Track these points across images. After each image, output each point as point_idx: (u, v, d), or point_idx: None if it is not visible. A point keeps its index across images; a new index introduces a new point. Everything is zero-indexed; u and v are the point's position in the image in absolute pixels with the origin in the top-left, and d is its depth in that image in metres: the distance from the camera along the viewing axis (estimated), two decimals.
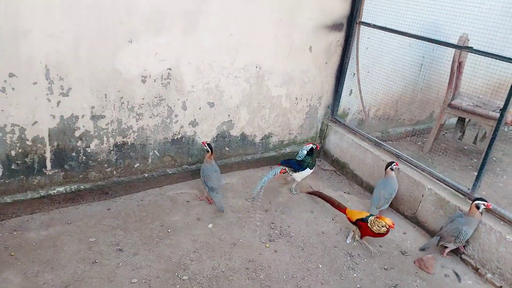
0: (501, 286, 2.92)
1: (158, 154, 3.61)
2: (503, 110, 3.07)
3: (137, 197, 3.54)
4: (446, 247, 3.20)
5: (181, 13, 3.21)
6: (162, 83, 3.35)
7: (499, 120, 3.10)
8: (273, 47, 3.75)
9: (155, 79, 3.31)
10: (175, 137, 3.63)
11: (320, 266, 3.02)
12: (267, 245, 3.15)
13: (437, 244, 3.21)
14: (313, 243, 3.24)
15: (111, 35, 2.99)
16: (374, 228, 3.04)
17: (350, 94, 4.39)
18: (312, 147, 3.74)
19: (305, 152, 3.73)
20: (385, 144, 3.98)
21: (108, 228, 3.14)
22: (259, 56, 3.70)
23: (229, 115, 3.81)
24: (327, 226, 3.46)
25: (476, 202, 3.04)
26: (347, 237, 3.33)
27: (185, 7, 3.20)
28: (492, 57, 3.12)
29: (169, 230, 3.19)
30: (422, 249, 3.27)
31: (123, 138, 3.38)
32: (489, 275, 3.00)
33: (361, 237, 3.22)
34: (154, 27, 3.14)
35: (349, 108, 4.49)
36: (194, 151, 3.79)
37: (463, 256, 3.18)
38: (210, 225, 3.30)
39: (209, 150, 3.49)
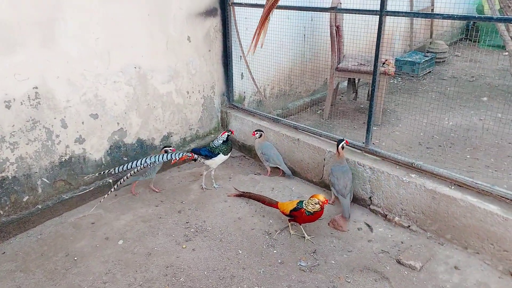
0: (409, 226, 3.11)
1: (47, 181, 3.31)
2: (375, 61, 3.23)
3: (35, 232, 3.22)
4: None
5: (34, 25, 2.94)
6: (31, 104, 3.06)
7: (374, 72, 3.27)
8: (148, 44, 3.60)
9: (21, 102, 3.01)
10: (63, 159, 3.35)
11: (240, 251, 2.98)
12: (184, 246, 3.04)
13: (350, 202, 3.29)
14: (231, 231, 3.19)
15: None
16: (309, 207, 2.92)
17: (242, 78, 4.39)
18: (228, 135, 3.66)
19: (221, 141, 3.64)
20: (283, 119, 4.04)
21: (5, 273, 2.82)
22: (136, 55, 3.54)
23: (118, 123, 3.60)
24: (243, 211, 3.43)
25: (341, 144, 3.32)
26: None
27: (37, 18, 2.94)
28: (355, 13, 3.27)
29: (75, 258, 2.95)
30: (349, 216, 3.21)
31: (1, 173, 3.04)
32: (396, 218, 3.18)
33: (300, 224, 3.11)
34: (5, 45, 2.84)
35: (244, 92, 4.49)
36: (89, 169, 3.53)
37: (371, 206, 3.33)
38: (121, 242, 3.11)
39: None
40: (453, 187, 2.91)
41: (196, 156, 3.59)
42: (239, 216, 3.36)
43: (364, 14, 3.21)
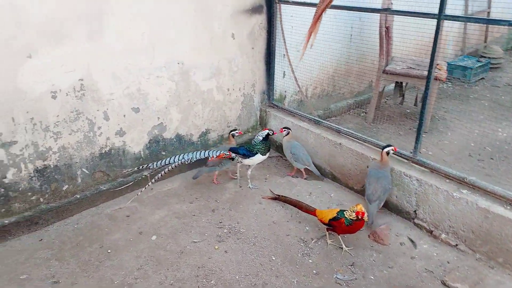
0: (456, 244, 2.90)
1: (87, 172, 3.35)
2: (430, 67, 3.03)
3: (72, 221, 3.27)
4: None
5: (82, 18, 2.96)
6: (76, 96, 3.09)
7: (428, 78, 3.06)
8: (192, 40, 3.55)
9: (67, 93, 3.04)
10: (103, 151, 3.38)
11: (273, 258, 2.88)
12: (216, 247, 2.98)
13: (378, 209, 3.15)
14: (265, 235, 3.10)
15: (5, 52, 2.71)
16: (347, 214, 2.79)
17: (283, 77, 4.27)
18: (268, 132, 3.59)
19: (260, 138, 3.57)
20: (324, 122, 3.89)
21: (41, 260, 2.87)
22: (180, 51, 3.50)
23: (158, 118, 3.59)
24: (278, 215, 3.33)
25: (386, 149, 3.17)
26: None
27: (85, 11, 2.95)
28: (410, 16, 3.07)
29: (109, 251, 2.96)
30: (371, 223, 3.11)
31: (43, 161, 3.10)
32: (443, 236, 2.97)
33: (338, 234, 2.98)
34: (54, 38, 2.87)
35: (285, 91, 4.37)
36: (128, 162, 3.55)
37: (415, 220, 3.14)
38: (154, 237, 3.09)
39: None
40: (508, 207, 2.67)
41: (233, 155, 3.52)
42: (274, 220, 3.27)
43: (420, 17, 2.99)
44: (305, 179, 3.85)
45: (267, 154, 3.64)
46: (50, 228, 3.20)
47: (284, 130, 3.81)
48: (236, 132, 3.78)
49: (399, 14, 3.14)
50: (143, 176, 3.61)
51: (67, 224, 3.24)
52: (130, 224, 3.24)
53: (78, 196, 3.33)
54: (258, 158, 3.57)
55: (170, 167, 3.32)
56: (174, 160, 3.28)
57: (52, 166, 3.16)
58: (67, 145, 3.18)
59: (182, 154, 3.31)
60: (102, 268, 2.80)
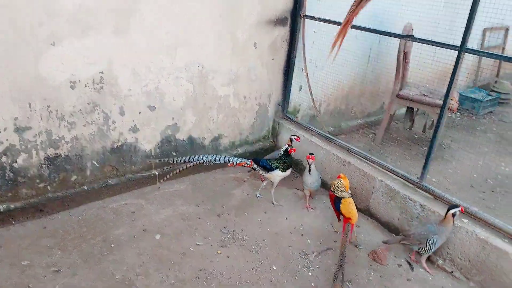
0: (452, 271, 2.94)
1: (97, 165, 3.36)
2: (445, 97, 3.08)
3: (77, 212, 3.28)
4: (418, 252, 3.05)
5: (111, 12, 2.99)
6: (94, 88, 3.12)
7: (442, 108, 3.11)
8: (215, 45, 3.59)
9: (85, 84, 3.07)
10: (115, 145, 3.40)
11: (274, 267, 2.90)
12: (219, 252, 3.00)
13: (399, 241, 3.09)
14: (267, 244, 3.12)
15: (30, 38, 2.74)
16: (333, 188, 3.12)
17: (300, 90, 4.32)
18: (286, 147, 3.56)
19: (281, 151, 3.59)
20: (335, 139, 3.93)
21: (44, 248, 2.88)
22: (201, 54, 3.54)
23: (173, 118, 3.62)
24: (281, 226, 3.35)
25: (452, 210, 2.84)
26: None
27: (115, 6, 2.99)
28: (432, 45, 3.12)
29: (112, 245, 2.97)
30: (385, 242, 3.15)
31: (55, 150, 3.12)
32: (440, 262, 3.02)
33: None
34: (80, 28, 2.91)
35: (300, 105, 4.41)
36: (137, 159, 3.57)
37: None
38: (158, 236, 3.11)
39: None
40: (506, 241, 2.73)
41: (255, 165, 3.51)
42: (277, 231, 3.29)
43: (442, 47, 3.05)
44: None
45: (288, 171, 3.57)
46: (55, 217, 3.21)
47: (311, 157, 3.49)
48: (294, 137, 3.68)
49: (422, 42, 3.19)
50: (151, 175, 3.64)
51: (71, 215, 3.25)
52: (134, 221, 3.25)
53: (86, 188, 3.34)
54: (277, 173, 3.51)
55: (189, 165, 3.37)
56: (194, 159, 3.33)
57: (63, 155, 3.18)
58: (80, 136, 3.20)
59: (202, 155, 3.36)
60: (104, 262, 2.81)
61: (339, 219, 3.19)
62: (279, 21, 3.91)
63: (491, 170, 4.08)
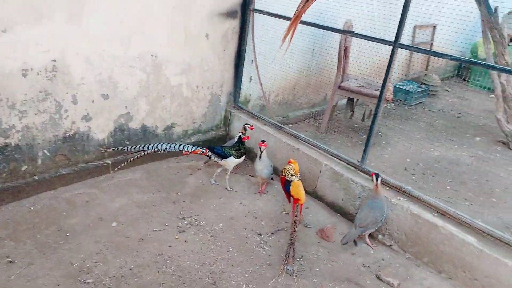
0: (390, 245, 3.28)
1: (48, 154, 3.31)
2: (382, 88, 3.42)
3: (28, 203, 3.22)
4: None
5: (64, 0, 2.95)
6: (47, 76, 3.07)
7: (379, 98, 3.45)
8: (168, 35, 3.65)
9: (38, 72, 3.02)
10: (67, 134, 3.37)
11: (230, 249, 3.07)
12: (177, 237, 3.11)
13: (360, 234, 3.22)
14: (223, 228, 3.28)
15: None
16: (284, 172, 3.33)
17: (250, 81, 4.50)
18: (240, 135, 3.70)
19: (235, 140, 3.71)
20: (285, 127, 4.17)
21: None
22: (154, 44, 3.59)
23: (126, 107, 3.64)
24: (236, 210, 3.53)
25: (380, 178, 3.18)
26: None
27: None
28: (370, 40, 3.43)
29: (67, 234, 2.97)
30: (345, 243, 3.17)
31: (4, 139, 3.04)
32: (380, 237, 3.34)
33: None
34: (32, 16, 2.85)
35: (250, 95, 4.60)
36: (90, 148, 3.56)
37: None
38: (114, 224, 3.15)
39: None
40: (436, 215, 3.09)
41: (209, 153, 3.63)
42: (232, 215, 3.46)
43: (378, 42, 3.37)
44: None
45: (242, 158, 3.74)
46: (5, 208, 3.13)
47: (263, 144, 3.65)
48: (248, 126, 3.80)
49: (361, 37, 3.50)
50: (104, 164, 3.64)
51: (22, 206, 3.19)
52: (89, 210, 3.26)
53: (37, 178, 3.28)
54: (232, 160, 3.66)
55: (143, 153, 3.41)
56: (148, 148, 3.37)
57: (13, 144, 3.10)
58: (31, 125, 3.13)
59: (157, 143, 3.42)
60: (60, 251, 2.82)
61: (289, 201, 3.44)
62: (230, 14, 4.04)
63: (422, 154, 4.55)
